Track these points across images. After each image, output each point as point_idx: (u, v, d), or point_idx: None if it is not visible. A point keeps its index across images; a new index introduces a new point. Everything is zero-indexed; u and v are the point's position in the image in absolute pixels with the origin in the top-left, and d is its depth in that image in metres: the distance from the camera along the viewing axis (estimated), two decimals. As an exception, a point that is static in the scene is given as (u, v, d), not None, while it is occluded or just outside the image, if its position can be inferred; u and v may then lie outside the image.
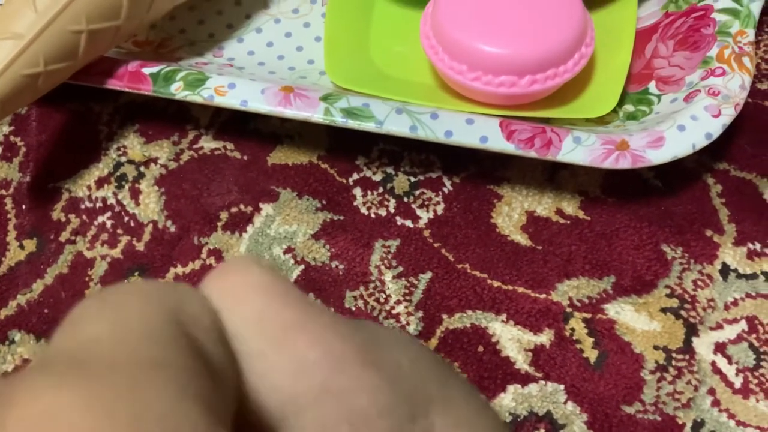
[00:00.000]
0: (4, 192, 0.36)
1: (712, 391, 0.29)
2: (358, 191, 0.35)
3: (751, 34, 0.33)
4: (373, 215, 0.34)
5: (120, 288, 0.12)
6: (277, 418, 0.12)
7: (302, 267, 0.33)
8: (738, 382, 0.29)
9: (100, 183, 0.36)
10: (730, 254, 0.32)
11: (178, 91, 0.33)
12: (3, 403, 0.09)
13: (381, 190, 0.35)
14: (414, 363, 0.13)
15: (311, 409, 0.11)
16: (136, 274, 0.33)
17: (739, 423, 0.29)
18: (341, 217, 0.34)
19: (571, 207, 0.34)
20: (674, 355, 0.30)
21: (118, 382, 0.10)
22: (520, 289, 0.32)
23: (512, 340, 0.31)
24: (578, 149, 0.30)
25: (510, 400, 0.29)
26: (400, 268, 0.32)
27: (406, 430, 0.12)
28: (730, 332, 0.30)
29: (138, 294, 0.11)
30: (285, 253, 0.33)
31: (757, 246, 0.32)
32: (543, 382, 0.30)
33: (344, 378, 0.12)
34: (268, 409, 0.12)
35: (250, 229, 0.34)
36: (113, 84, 0.33)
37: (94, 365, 0.10)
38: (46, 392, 0.09)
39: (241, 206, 0.34)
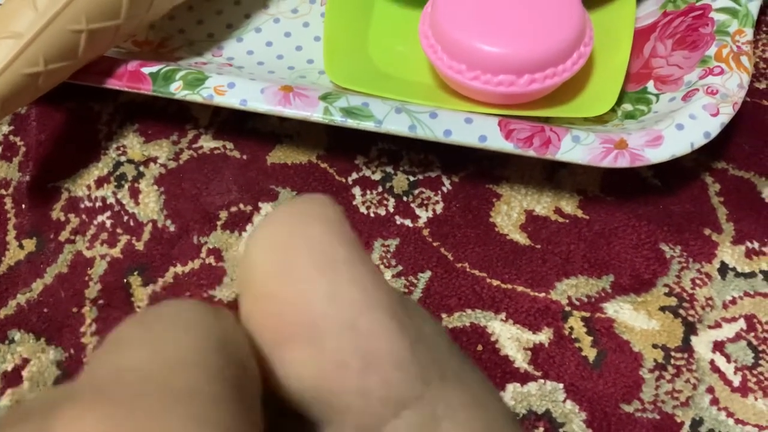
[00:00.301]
0: (3, 191, 0.36)
1: (710, 390, 0.29)
2: (357, 190, 0.35)
3: (749, 33, 0.33)
4: (372, 214, 0.34)
5: (163, 313, 0.12)
6: (301, 335, 0.12)
7: (302, 266, 0.33)
8: (736, 381, 0.29)
9: (100, 182, 0.36)
10: (729, 253, 0.32)
11: (177, 90, 0.33)
12: None
13: (380, 189, 0.35)
14: (436, 337, 0.14)
15: (333, 336, 0.12)
16: (135, 273, 0.33)
17: (737, 421, 0.29)
18: (340, 217, 0.34)
19: (569, 206, 0.34)
20: (673, 353, 0.30)
21: (141, 411, 0.10)
22: (519, 288, 0.32)
23: (511, 339, 0.31)
24: (577, 148, 0.30)
25: (509, 398, 0.29)
26: (400, 267, 0.33)
27: (417, 390, 0.12)
28: (728, 331, 0.30)
29: (179, 322, 0.12)
30: (284, 252, 0.33)
31: (756, 245, 0.32)
32: (542, 380, 0.30)
33: (371, 320, 0.12)
34: (296, 323, 0.12)
35: (249, 228, 0.34)
36: (113, 83, 0.34)
37: (121, 394, 0.10)
38: (73, 424, 0.10)
39: (241, 205, 0.35)
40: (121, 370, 0.11)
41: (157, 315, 0.12)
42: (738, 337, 0.30)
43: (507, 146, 0.31)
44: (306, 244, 0.13)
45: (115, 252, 0.34)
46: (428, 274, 0.32)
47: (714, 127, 0.31)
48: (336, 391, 0.12)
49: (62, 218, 0.35)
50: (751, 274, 0.32)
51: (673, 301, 0.31)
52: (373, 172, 0.35)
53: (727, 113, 0.31)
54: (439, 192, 0.34)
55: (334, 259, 0.12)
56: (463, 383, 0.13)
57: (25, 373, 0.31)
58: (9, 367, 0.31)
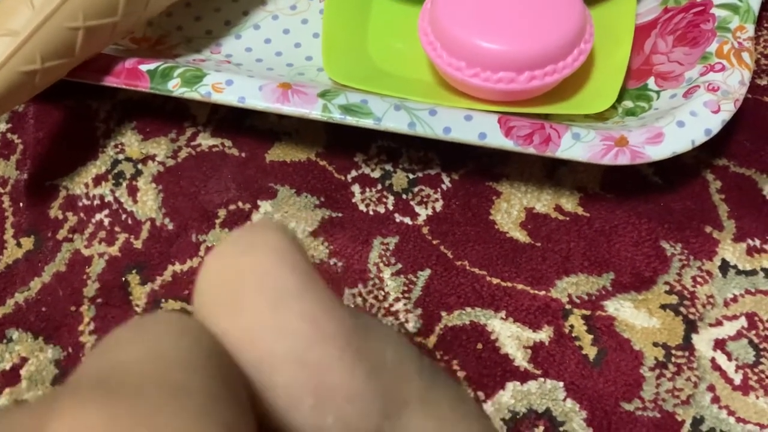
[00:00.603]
0: (1, 190, 0.36)
1: (711, 388, 0.29)
2: (356, 188, 0.34)
3: (750, 29, 0.33)
4: (371, 212, 0.34)
5: (158, 319, 0.12)
6: (252, 371, 0.12)
7: (301, 264, 0.33)
8: (738, 379, 0.29)
9: (98, 180, 0.36)
10: (730, 250, 0.32)
11: (175, 88, 0.33)
12: (42, 423, 0.10)
13: (379, 187, 0.34)
14: (399, 362, 0.13)
15: (283, 372, 0.12)
16: (133, 272, 0.33)
17: (738, 420, 0.29)
18: (340, 214, 0.34)
19: (570, 203, 0.34)
20: (674, 351, 0.30)
21: (141, 405, 0.10)
22: (519, 286, 0.32)
23: (511, 337, 0.31)
24: (577, 145, 0.30)
25: (509, 397, 0.29)
26: (399, 266, 0.32)
27: (374, 423, 0.12)
28: (729, 329, 0.30)
29: (174, 327, 0.12)
30: (283, 250, 0.33)
31: (757, 242, 0.32)
32: (542, 379, 0.30)
33: (322, 353, 0.12)
34: (247, 360, 0.12)
35: (248, 226, 0.34)
36: (110, 81, 0.33)
37: (121, 389, 0.10)
38: (73, 414, 0.10)
39: (240, 203, 0.34)
40: (120, 365, 0.11)
41: (151, 320, 0.12)
42: (739, 335, 0.30)
43: (507, 143, 0.30)
44: (255, 277, 0.12)
45: (114, 250, 0.34)
46: (428, 272, 0.32)
47: (715, 124, 0.30)
48: (291, 427, 0.12)
49: (60, 216, 0.35)
50: (753, 272, 0.31)
51: (673, 299, 0.31)
52: (373, 170, 0.35)
53: (728, 110, 0.31)
54: (439, 189, 0.34)
55: (283, 292, 0.12)
56: (428, 409, 0.13)
57: (23, 372, 0.31)
58: (7, 366, 0.31)
